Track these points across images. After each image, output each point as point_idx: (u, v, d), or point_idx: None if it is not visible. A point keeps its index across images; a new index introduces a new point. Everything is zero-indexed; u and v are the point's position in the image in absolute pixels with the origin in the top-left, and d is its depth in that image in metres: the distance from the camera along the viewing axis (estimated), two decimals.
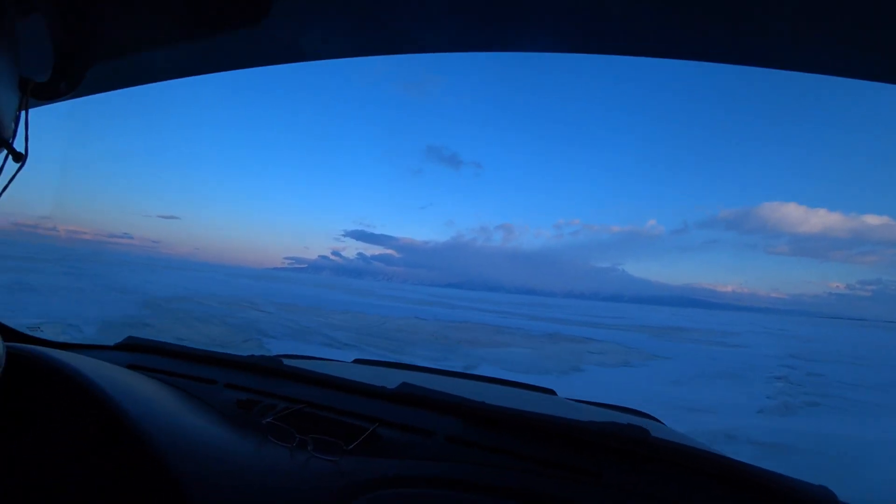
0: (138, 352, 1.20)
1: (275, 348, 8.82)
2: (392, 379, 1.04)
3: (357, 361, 1.45)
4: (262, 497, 0.65)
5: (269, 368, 1.07)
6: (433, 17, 0.66)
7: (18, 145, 0.51)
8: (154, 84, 0.78)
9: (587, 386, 8.28)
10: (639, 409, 1.46)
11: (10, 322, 1.19)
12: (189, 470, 0.67)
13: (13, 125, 0.49)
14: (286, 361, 1.10)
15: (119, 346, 1.25)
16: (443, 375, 1.37)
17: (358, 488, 0.67)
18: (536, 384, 1.41)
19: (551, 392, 1.38)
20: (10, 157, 0.51)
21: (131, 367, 1.05)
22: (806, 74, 0.66)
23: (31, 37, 0.46)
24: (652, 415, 1.44)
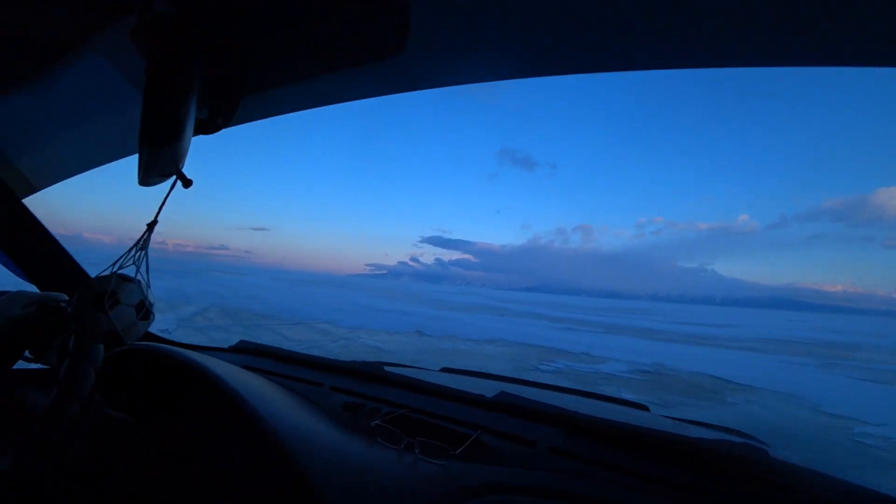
0: (250, 354, 1.32)
1: None
2: (483, 388, 1.05)
3: (445, 370, 1.49)
4: (376, 494, 0.68)
5: (372, 374, 1.13)
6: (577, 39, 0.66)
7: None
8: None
9: None
10: None
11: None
12: (308, 463, 0.71)
13: (185, 157, 0.58)
14: (385, 368, 1.16)
15: (233, 349, 1.38)
16: (532, 386, 1.36)
17: (467, 492, 0.69)
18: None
19: (644, 408, 1.32)
20: (181, 182, 0.59)
21: (245, 367, 1.16)
22: None
23: (200, 81, 0.54)
24: (756, 437, 1.31)
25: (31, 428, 0.66)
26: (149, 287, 0.76)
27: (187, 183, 0.64)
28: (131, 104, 0.85)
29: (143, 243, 0.70)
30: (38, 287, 1.14)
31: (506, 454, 0.82)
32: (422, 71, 0.74)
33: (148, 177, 0.60)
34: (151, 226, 0.71)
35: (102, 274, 0.72)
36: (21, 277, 1.15)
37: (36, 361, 0.83)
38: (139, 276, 0.75)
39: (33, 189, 1.09)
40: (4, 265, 1.14)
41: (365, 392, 1.05)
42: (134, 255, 0.73)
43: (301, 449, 0.75)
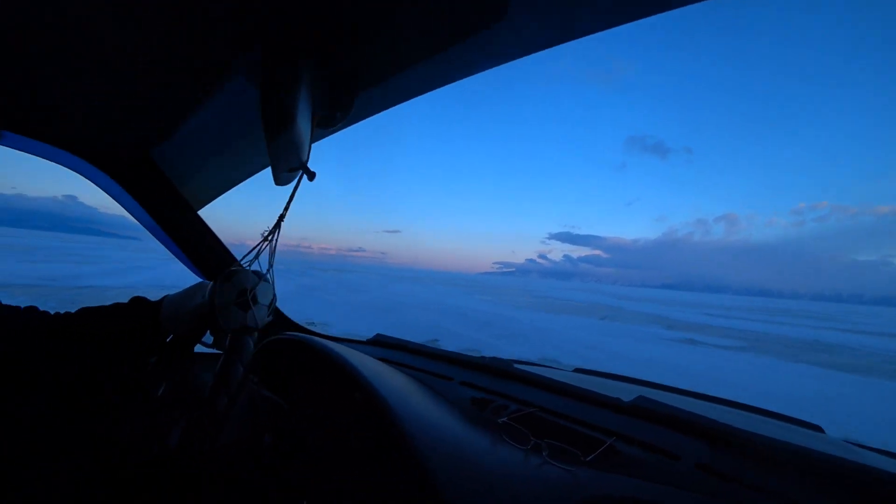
0: (385, 347, 1.41)
1: None
2: (618, 391, 0.96)
3: (578, 370, 1.41)
4: (498, 493, 0.66)
5: (502, 370, 1.12)
6: None
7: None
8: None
9: None
10: None
11: (296, 318, 1.56)
12: (432, 454, 0.72)
13: (308, 151, 0.63)
14: (515, 365, 1.14)
15: (370, 341, 1.49)
16: (674, 392, 1.21)
17: (598, 503, 0.63)
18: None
19: (817, 428, 1.09)
20: (306, 176, 0.64)
21: (381, 359, 1.23)
22: None
23: (316, 75, 0.58)
24: None
25: (192, 413, 0.77)
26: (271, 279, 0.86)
27: (311, 175, 0.70)
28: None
29: (272, 235, 0.78)
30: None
31: (644, 466, 0.73)
32: (528, 32, 0.69)
33: (279, 172, 0.66)
34: (281, 218, 0.78)
35: (236, 267, 0.84)
36: (198, 275, 1.38)
37: (214, 346, 0.96)
38: (269, 274, 0.85)
39: (204, 203, 1.30)
40: (185, 264, 1.38)
41: (494, 388, 1.04)
42: (263, 248, 0.83)
43: (426, 439, 0.76)
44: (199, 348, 0.96)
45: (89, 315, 0.89)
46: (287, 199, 0.73)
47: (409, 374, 1.14)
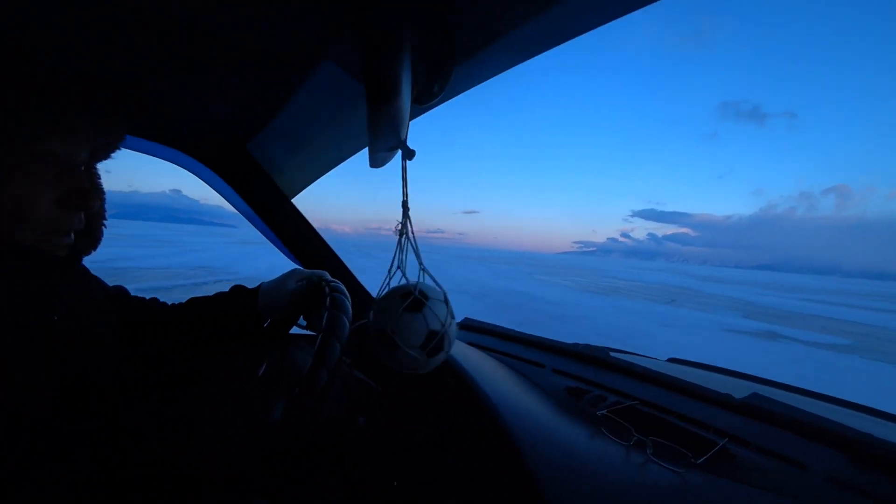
0: (474, 332, 1.40)
1: None
2: (723, 386, 0.88)
3: (673, 360, 1.32)
4: (599, 490, 0.63)
5: (597, 359, 1.08)
6: None
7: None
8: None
9: None
10: None
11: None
12: (527, 443, 0.70)
13: (406, 128, 0.61)
14: (611, 353, 1.09)
15: (459, 326, 1.49)
16: (789, 391, 1.09)
17: None
18: None
19: None
20: (404, 154, 0.63)
21: (470, 343, 1.22)
22: None
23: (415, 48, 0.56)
24: None
25: (293, 389, 0.81)
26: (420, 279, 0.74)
27: (410, 154, 0.63)
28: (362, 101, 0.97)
29: (404, 228, 0.68)
30: (304, 266, 1.43)
31: (764, 474, 0.66)
32: None
33: (376, 153, 0.64)
34: (405, 205, 0.67)
35: (418, 295, 0.70)
36: (292, 260, 1.45)
37: (308, 328, 1.01)
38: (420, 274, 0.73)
39: (297, 191, 1.36)
40: (280, 249, 1.46)
41: (589, 377, 1.00)
42: (404, 244, 0.70)
43: (522, 427, 0.74)
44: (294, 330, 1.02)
45: (199, 305, 0.98)
46: (402, 185, 0.64)
47: (499, 359, 1.13)
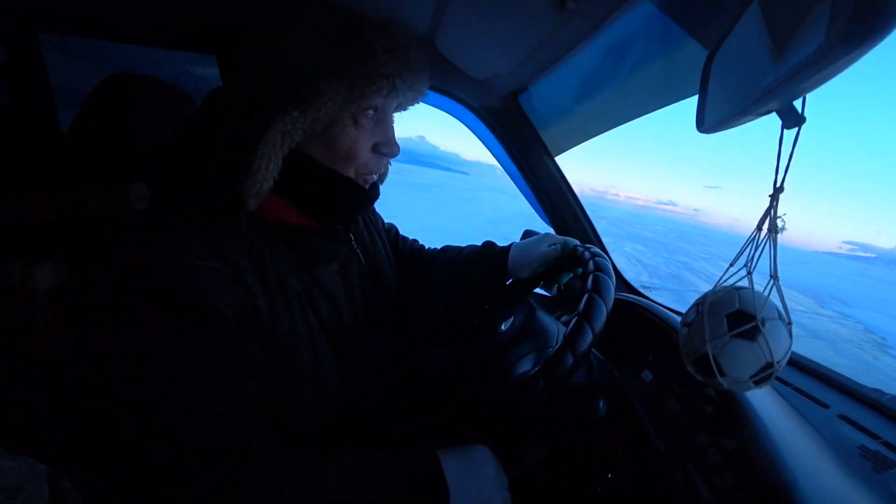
0: None
1: None
2: None
3: None
4: None
5: None
6: None
7: None
8: None
9: None
10: None
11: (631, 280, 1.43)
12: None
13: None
14: None
15: None
16: None
17: None
18: None
19: None
20: (784, 123, 0.44)
21: None
22: None
23: None
24: None
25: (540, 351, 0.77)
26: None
27: (797, 120, 0.43)
28: (672, 52, 0.80)
29: (771, 221, 0.51)
30: (555, 230, 1.37)
31: None
32: None
33: (737, 117, 0.46)
34: (777, 194, 0.49)
35: (759, 318, 0.57)
36: (542, 217, 1.41)
37: (543, 289, 0.99)
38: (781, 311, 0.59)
39: (564, 149, 1.28)
40: (533, 207, 1.43)
41: (893, 440, 0.71)
42: (759, 243, 0.54)
43: (798, 476, 0.56)
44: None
45: (453, 254, 1.05)
46: (777, 166, 0.45)
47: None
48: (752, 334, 0.56)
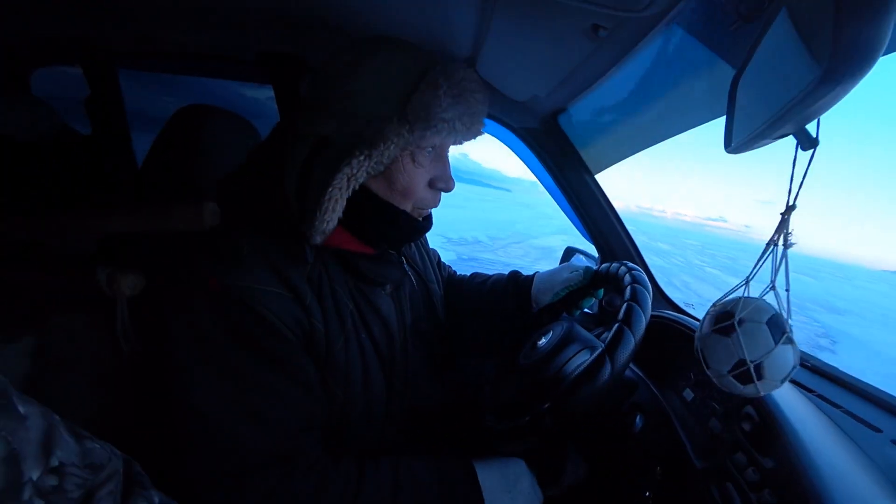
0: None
1: None
2: None
3: None
4: None
5: None
6: None
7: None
8: None
9: None
10: None
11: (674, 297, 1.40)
12: None
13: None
14: None
15: None
16: None
17: None
18: None
19: None
20: (800, 143, 0.46)
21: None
22: None
23: None
24: None
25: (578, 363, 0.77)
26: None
27: (811, 143, 0.46)
28: (702, 74, 0.82)
29: (781, 238, 0.54)
30: (595, 246, 1.38)
31: None
32: None
33: (757, 139, 0.48)
34: (788, 213, 0.52)
35: (740, 315, 0.61)
36: (582, 233, 1.42)
37: (566, 312, 0.97)
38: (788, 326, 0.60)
39: (603, 167, 1.30)
40: (574, 224, 1.44)
41: None
42: (765, 258, 0.57)
43: (838, 498, 0.55)
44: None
45: (481, 281, 1.08)
46: (790, 186, 0.49)
47: (812, 401, 0.85)
48: (728, 331, 0.60)
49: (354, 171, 0.63)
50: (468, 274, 1.14)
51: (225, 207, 0.73)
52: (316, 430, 0.69)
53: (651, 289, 0.82)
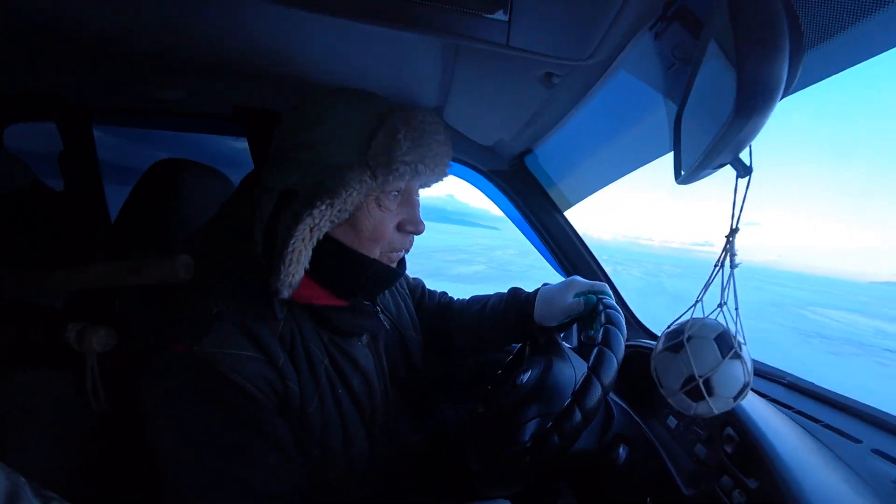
0: (763, 378, 1.12)
1: None
2: None
3: None
4: None
5: None
6: None
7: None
8: None
9: None
10: None
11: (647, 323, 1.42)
12: None
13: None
14: None
15: None
16: None
17: None
18: None
19: None
20: (738, 171, 0.51)
21: (753, 391, 0.98)
22: None
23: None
24: None
25: (546, 414, 0.77)
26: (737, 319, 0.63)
27: (745, 170, 0.51)
28: (653, 111, 0.88)
29: (723, 260, 0.57)
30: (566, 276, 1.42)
31: None
32: None
33: (699, 170, 0.54)
34: (731, 235, 0.56)
35: (688, 333, 0.63)
36: (557, 270, 1.45)
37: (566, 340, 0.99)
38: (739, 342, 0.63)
39: (570, 205, 1.36)
40: (547, 259, 1.48)
41: None
42: (712, 279, 0.61)
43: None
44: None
45: (480, 305, 1.05)
46: (733, 210, 0.53)
47: (791, 417, 0.87)
48: (678, 348, 0.62)
49: (317, 220, 0.63)
50: (466, 299, 1.11)
51: (198, 261, 0.73)
52: (297, 492, 0.67)
53: (625, 330, 0.81)
